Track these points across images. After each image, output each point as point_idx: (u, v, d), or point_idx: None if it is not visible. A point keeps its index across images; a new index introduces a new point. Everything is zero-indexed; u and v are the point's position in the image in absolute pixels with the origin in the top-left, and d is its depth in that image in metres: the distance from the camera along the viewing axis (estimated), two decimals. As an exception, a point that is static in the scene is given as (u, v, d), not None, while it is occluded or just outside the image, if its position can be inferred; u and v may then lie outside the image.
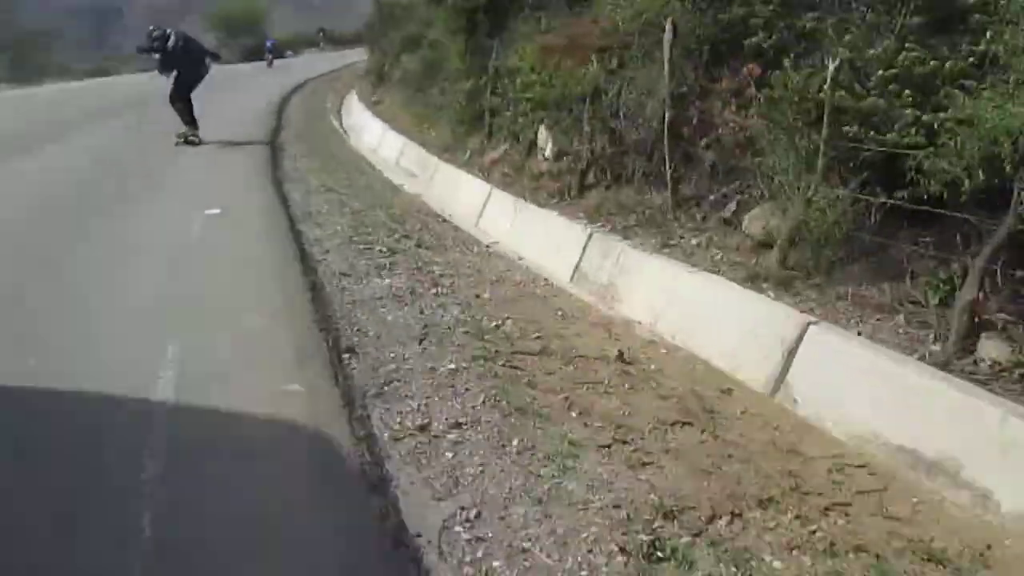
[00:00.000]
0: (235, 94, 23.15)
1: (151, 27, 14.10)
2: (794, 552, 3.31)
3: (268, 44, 55.00)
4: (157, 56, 13.65)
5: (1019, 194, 4.48)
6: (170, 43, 13.48)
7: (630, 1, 8.43)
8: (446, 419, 4.31)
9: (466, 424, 4.27)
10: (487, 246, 8.39)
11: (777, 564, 3.23)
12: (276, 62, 45.77)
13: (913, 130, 5.17)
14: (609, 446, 4.11)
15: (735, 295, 5.47)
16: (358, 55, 48.59)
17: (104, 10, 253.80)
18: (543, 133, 9.65)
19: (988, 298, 4.73)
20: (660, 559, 3.19)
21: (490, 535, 3.33)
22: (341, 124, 19.16)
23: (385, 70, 20.91)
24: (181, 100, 13.78)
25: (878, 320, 5.17)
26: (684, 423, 4.42)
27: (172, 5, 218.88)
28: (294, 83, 29.50)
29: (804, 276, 5.75)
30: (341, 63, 41.62)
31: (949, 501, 3.73)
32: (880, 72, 5.56)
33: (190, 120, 13.84)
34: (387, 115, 16.71)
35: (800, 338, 4.73)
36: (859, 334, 4.88)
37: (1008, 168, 4.41)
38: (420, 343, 5.37)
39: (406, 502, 3.57)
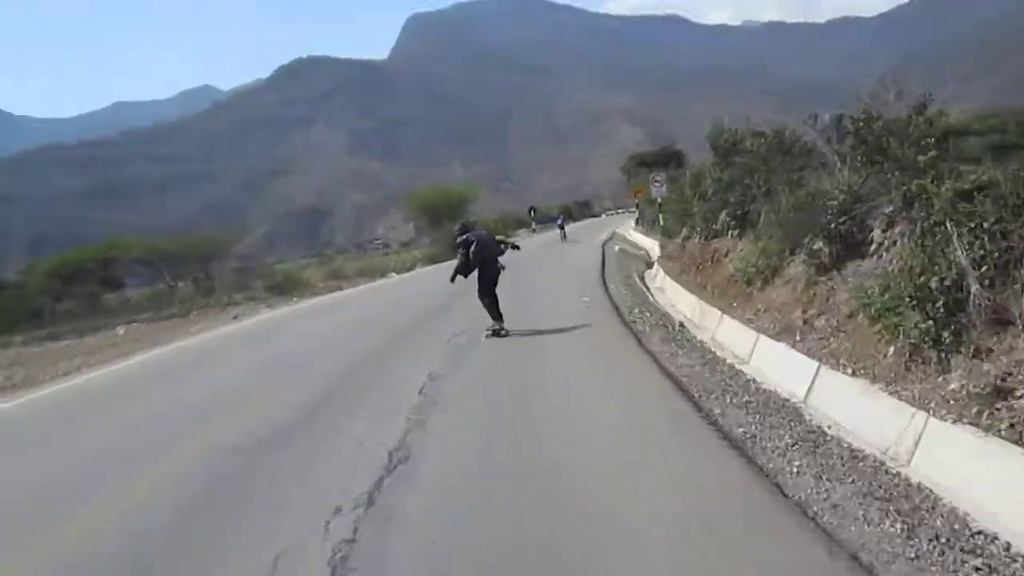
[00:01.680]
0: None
1: (456, 228, 15.24)
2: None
3: (559, 220, 62.17)
4: (463, 259, 14.28)
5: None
6: (472, 248, 14.14)
7: None
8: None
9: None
10: None
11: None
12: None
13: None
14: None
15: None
16: (591, 230, 59.44)
17: (316, 210, 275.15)
18: None
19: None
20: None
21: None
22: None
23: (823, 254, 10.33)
24: (487, 296, 14.33)
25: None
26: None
27: (375, 202, 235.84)
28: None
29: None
30: (592, 240, 45.28)
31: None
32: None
33: (497, 315, 14.25)
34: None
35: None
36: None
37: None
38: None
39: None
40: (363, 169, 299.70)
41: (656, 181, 37.32)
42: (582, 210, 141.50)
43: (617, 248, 36.42)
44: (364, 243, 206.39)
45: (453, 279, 14.61)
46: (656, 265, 25.99)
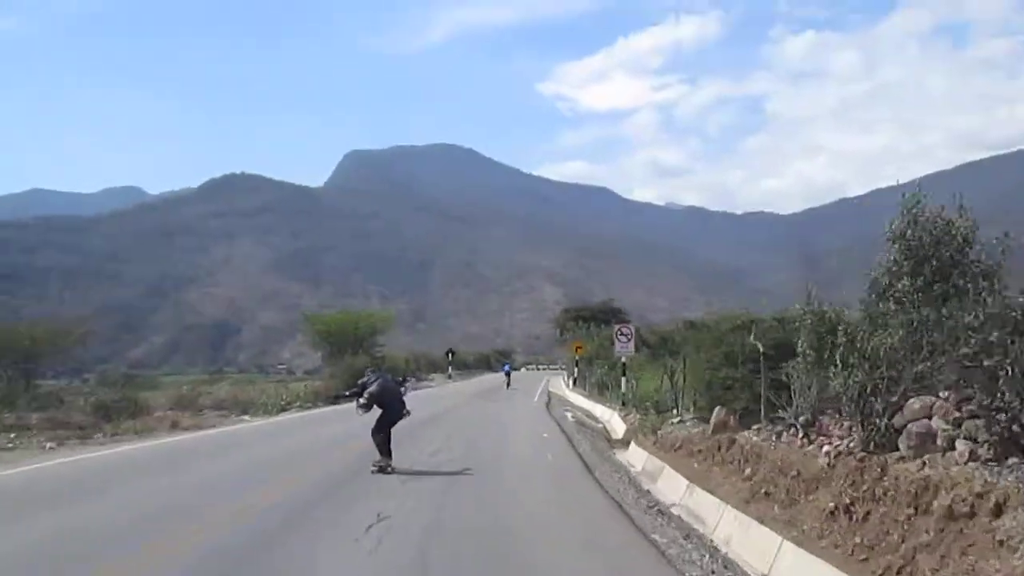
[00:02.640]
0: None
1: (369, 368, 17.93)
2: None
3: (506, 367, 68.42)
4: (363, 400, 14.66)
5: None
6: (372, 390, 14.60)
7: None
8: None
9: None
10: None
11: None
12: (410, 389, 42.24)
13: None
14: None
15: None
16: (523, 383, 58.42)
17: (225, 325, 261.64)
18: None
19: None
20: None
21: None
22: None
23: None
24: (381, 433, 14.63)
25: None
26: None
27: (286, 325, 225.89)
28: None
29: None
30: (530, 396, 41.09)
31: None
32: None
33: (387, 452, 14.54)
34: None
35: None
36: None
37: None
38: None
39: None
40: (281, 290, 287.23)
41: (622, 335, 28.93)
42: (501, 360, 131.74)
43: (570, 416, 27.66)
44: (267, 366, 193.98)
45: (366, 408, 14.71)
46: (642, 453, 17.19)
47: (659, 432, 17.20)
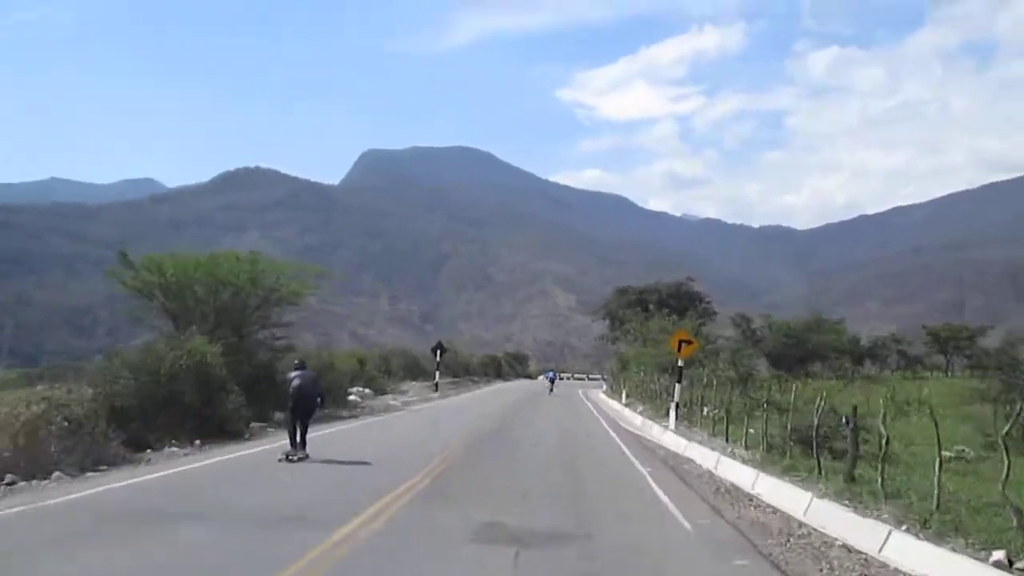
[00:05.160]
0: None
1: (295, 362, 16.98)
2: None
3: (550, 375, 61.57)
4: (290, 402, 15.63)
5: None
6: (293, 384, 15.73)
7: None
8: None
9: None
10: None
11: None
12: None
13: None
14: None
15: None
16: (570, 403, 44.87)
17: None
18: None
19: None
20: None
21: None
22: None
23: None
24: (291, 424, 15.56)
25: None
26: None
27: (291, 317, 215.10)
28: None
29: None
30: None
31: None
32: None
33: (294, 443, 15.32)
34: None
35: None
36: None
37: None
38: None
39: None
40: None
41: None
42: (513, 366, 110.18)
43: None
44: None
45: (290, 406, 15.48)
46: None
47: None
